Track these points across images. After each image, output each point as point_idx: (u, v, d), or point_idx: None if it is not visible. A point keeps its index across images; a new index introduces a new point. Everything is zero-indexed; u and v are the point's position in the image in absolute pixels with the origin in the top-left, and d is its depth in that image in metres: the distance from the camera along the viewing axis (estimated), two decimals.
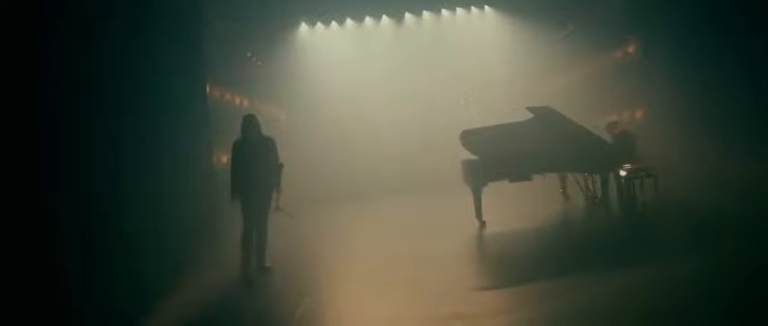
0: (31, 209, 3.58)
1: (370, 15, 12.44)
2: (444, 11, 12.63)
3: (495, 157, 5.93)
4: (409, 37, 12.40)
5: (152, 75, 6.07)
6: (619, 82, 9.30)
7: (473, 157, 6.17)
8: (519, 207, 7.12)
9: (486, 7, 12.61)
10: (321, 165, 11.51)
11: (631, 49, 8.93)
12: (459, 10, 12.64)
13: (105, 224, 4.35)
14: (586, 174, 6.79)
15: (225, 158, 9.90)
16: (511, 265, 4.40)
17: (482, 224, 5.93)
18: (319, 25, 12.40)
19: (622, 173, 6.19)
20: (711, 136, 6.86)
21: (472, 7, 12.63)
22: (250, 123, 4.66)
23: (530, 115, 6.25)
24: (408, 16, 12.59)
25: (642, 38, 8.64)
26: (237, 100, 10.34)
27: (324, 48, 12.20)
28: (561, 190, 7.47)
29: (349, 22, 12.45)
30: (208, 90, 8.82)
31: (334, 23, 12.41)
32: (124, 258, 4.40)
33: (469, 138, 6.22)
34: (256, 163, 4.58)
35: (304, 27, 12.35)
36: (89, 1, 4.91)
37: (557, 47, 10.64)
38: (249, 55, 11.04)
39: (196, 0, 8.21)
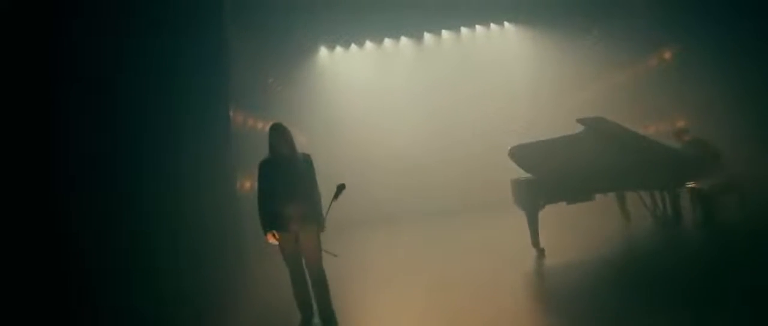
0: (45, 210, 3.48)
1: (389, 36, 12.36)
2: (463, 29, 12.49)
3: (554, 175, 5.28)
4: (429, 57, 12.25)
5: (175, 96, 5.99)
6: (654, 91, 8.88)
7: (526, 176, 5.56)
8: (575, 231, 6.32)
9: (505, 23, 12.44)
10: (347, 188, 11.21)
11: (666, 55, 8.54)
12: (478, 28, 12.49)
13: (123, 261, 4.11)
14: (655, 191, 5.99)
15: (248, 183, 9.75)
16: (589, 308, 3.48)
17: (540, 252, 5.21)
18: (339, 49, 12.36)
19: (696, 187, 5.55)
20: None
21: (491, 24, 12.48)
22: (280, 135, 3.54)
23: (580, 128, 5.61)
24: (427, 35, 12.48)
25: (678, 43, 8.26)
26: (259, 125, 10.25)
27: (344, 71, 12.13)
28: (620, 209, 6.52)
29: (368, 44, 12.39)
30: (231, 114, 8.75)
31: (353, 46, 12.37)
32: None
33: (521, 153, 5.50)
34: (292, 188, 3.46)
35: (323, 50, 12.32)
36: (107, 15, 4.79)
37: (583, 56, 10.31)
38: (270, 79, 11.01)
39: (221, 23, 8.23)
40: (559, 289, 4.23)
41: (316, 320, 3.59)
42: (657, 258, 4.91)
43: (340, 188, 3.68)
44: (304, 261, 3.57)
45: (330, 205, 3.61)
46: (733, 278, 3.74)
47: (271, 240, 3.53)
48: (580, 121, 5.60)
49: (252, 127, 10.08)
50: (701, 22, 7.78)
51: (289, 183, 3.46)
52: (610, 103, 9.46)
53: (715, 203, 5.49)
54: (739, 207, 5.41)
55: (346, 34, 12.01)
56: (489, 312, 3.63)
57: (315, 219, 3.53)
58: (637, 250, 5.50)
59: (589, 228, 6.44)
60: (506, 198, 6.09)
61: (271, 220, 3.49)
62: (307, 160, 3.61)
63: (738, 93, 6.92)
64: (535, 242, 5.30)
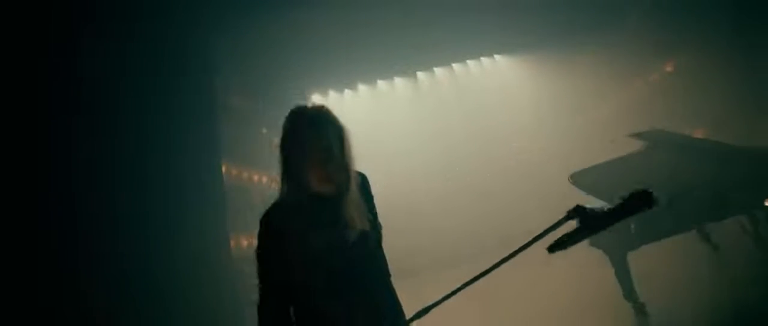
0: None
1: (382, 78, 12.28)
2: (455, 65, 12.47)
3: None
4: (425, 95, 12.12)
5: (166, 151, 5.73)
6: (658, 104, 8.65)
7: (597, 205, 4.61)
8: (658, 275, 4.87)
9: (496, 56, 12.45)
10: None
11: (669, 67, 8.40)
12: (470, 62, 12.48)
13: None
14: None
15: (245, 241, 9.22)
16: None
17: (640, 307, 3.99)
18: (332, 94, 12.23)
19: None
20: None
21: (482, 58, 12.48)
22: (315, 131, 1.73)
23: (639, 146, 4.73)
24: (420, 74, 12.41)
25: (678, 56, 8.15)
26: (254, 178, 9.86)
27: (340, 115, 11.91)
28: (702, 238, 5.06)
29: (361, 87, 12.29)
30: (224, 169, 8.42)
31: (347, 90, 12.25)
32: None
33: (586, 178, 4.51)
34: (352, 253, 1.66)
35: (316, 97, 12.18)
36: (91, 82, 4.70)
37: (581, 78, 10.16)
38: (264, 130, 10.75)
39: (210, 79, 8.11)
40: None
41: None
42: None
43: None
44: None
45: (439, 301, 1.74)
46: None
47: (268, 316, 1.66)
48: (633, 135, 4.70)
49: (248, 179, 9.69)
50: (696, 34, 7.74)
51: (342, 237, 1.63)
52: (620, 120, 9.18)
53: None
54: None
55: (339, 80, 11.91)
56: None
57: (382, 274, 1.75)
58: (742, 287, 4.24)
59: (668, 267, 5.22)
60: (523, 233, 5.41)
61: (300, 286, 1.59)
62: (365, 183, 1.82)
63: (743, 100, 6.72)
64: (631, 295, 4.08)
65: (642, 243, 4.08)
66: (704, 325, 3.64)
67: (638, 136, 4.77)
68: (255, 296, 1.74)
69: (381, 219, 1.82)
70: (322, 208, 1.60)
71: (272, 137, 11.03)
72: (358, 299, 1.58)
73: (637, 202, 1.81)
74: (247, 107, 9.78)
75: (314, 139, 1.65)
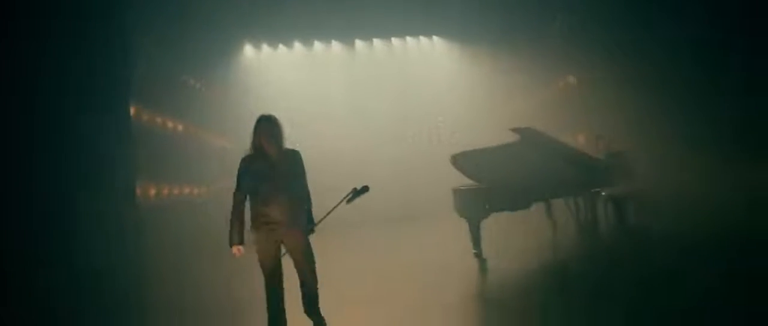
0: None
1: (319, 40, 12.01)
2: (394, 40, 12.55)
3: (498, 183, 5.29)
4: (360, 64, 12.08)
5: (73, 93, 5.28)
6: (575, 105, 9.62)
7: (468, 185, 5.56)
8: (508, 238, 6.39)
9: (434, 37, 12.73)
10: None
11: (583, 75, 9.33)
12: (409, 39, 12.64)
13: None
14: (579, 198, 6.35)
15: (153, 190, 8.81)
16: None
17: (482, 261, 5.20)
18: (266, 48, 11.74)
19: (608, 193, 5.94)
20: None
21: (421, 37, 12.69)
22: (266, 127, 3.13)
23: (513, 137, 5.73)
24: (358, 43, 12.32)
25: (592, 66, 9.10)
26: (169, 124, 9.35)
27: (271, 71, 11.51)
28: (547, 216, 6.71)
29: (297, 45, 11.93)
30: (133, 112, 7.90)
31: (281, 46, 11.82)
32: None
33: (464, 161, 5.48)
34: (279, 187, 3.09)
35: (248, 48, 11.63)
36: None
37: (512, 71, 10.81)
38: (190, 79, 10.13)
39: (122, 24, 7.47)
40: (499, 293, 4.33)
41: None
42: (582, 261, 5.23)
43: (360, 190, 3.43)
44: (278, 272, 3.21)
45: (337, 204, 3.41)
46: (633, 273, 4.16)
47: (237, 253, 3.15)
48: (513, 130, 5.74)
49: (162, 125, 9.17)
50: (608, 50, 8.67)
51: (275, 182, 3.09)
52: (539, 114, 9.99)
53: (624, 207, 5.95)
54: (636, 211, 5.90)
55: (274, 33, 11.47)
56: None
57: (304, 221, 3.22)
58: (564, 254, 5.74)
59: (520, 235, 6.63)
60: (440, 206, 6.06)
61: (254, 224, 3.13)
62: (296, 156, 3.23)
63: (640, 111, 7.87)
64: (478, 251, 5.33)
65: (490, 212, 5.33)
66: (530, 279, 4.70)
67: (516, 130, 5.73)
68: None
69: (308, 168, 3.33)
70: (265, 158, 3.19)
71: (196, 85, 10.43)
72: (279, 200, 3.16)
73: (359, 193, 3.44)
74: (171, 55, 9.09)
75: (265, 128, 3.20)
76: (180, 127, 9.78)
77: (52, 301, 4.62)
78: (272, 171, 3.10)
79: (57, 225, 4.45)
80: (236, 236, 3.11)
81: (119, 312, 4.50)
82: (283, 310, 3.21)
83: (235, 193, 3.16)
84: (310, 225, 3.28)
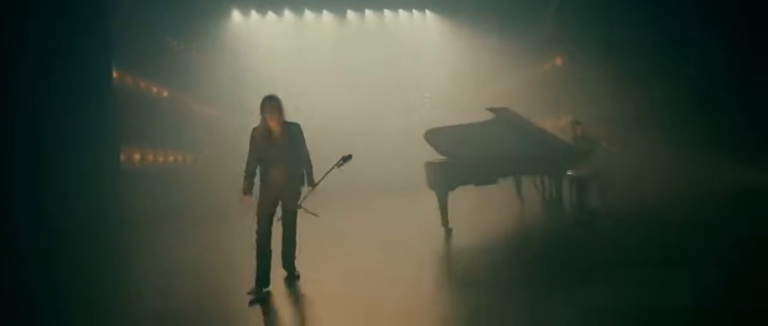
0: None
1: (310, 8, 11.79)
2: (386, 12, 12.38)
3: (465, 159, 5.55)
4: (350, 35, 11.93)
5: (55, 56, 5.13)
6: (556, 88, 9.69)
7: (439, 159, 5.75)
8: (477, 212, 6.74)
9: (427, 11, 12.59)
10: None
11: (559, 60, 9.40)
12: (401, 12, 12.49)
13: None
14: (547, 177, 6.69)
15: (138, 155, 8.73)
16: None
17: (448, 232, 5.47)
18: (254, 14, 11.49)
19: (574, 174, 6.20)
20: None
21: (414, 10, 12.54)
22: (270, 106, 3.74)
23: (489, 116, 6.03)
24: (350, 13, 12.13)
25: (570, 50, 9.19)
26: (154, 90, 9.19)
27: (260, 38, 11.32)
28: (516, 192, 7.28)
29: (287, 13, 11.70)
30: (115, 76, 7.73)
31: (270, 13, 11.58)
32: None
33: (436, 137, 5.72)
34: (281, 152, 3.80)
35: (236, 14, 11.37)
36: None
37: (497, 52, 10.83)
38: (175, 43, 9.88)
39: None
40: (464, 264, 4.54)
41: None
42: (544, 237, 5.49)
43: (346, 158, 4.04)
44: (269, 220, 3.87)
45: (329, 170, 4.01)
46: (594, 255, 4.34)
47: (247, 201, 3.91)
48: (489, 109, 6.01)
49: (146, 90, 8.99)
50: (588, 35, 8.76)
51: (276, 151, 3.82)
52: (520, 95, 10.09)
53: (587, 189, 6.20)
54: (599, 193, 6.16)
55: (264, 0, 11.22)
56: (401, 289, 3.74)
57: (300, 178, 3.96)
58: (529, 229, 6.02)
59: (490, 209, 6.93)
60: (417, 179, 6.19)
61: (262, 180, 3.87)
62: (297, 128, 3.94)
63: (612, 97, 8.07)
64: (445, 222, 5.59)
65: (457, 186, 5.59)
66: (492, 245, 5.08)
67: (492, 110, 6.01)
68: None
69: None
70: (270, 132, 3.84)
71: (185, 52, 10.20)
72: (279, 166, 3.85)
73: (345, 160, 4.03)
74: (155, 18, 8.83)
75: (268, 106, 3.78)
76: (165, 93, 9.62)
77: (36, 272, 4.67)
78: (275, 141, 3.83)
79: (40, 192, 4.37)
80: (247, 188, 3.88)
81: (105, 276, 4.55)
82: (269, 256, 3.84)
83: (248, 157, 3.90)
84: (311, 184, 4.03)
